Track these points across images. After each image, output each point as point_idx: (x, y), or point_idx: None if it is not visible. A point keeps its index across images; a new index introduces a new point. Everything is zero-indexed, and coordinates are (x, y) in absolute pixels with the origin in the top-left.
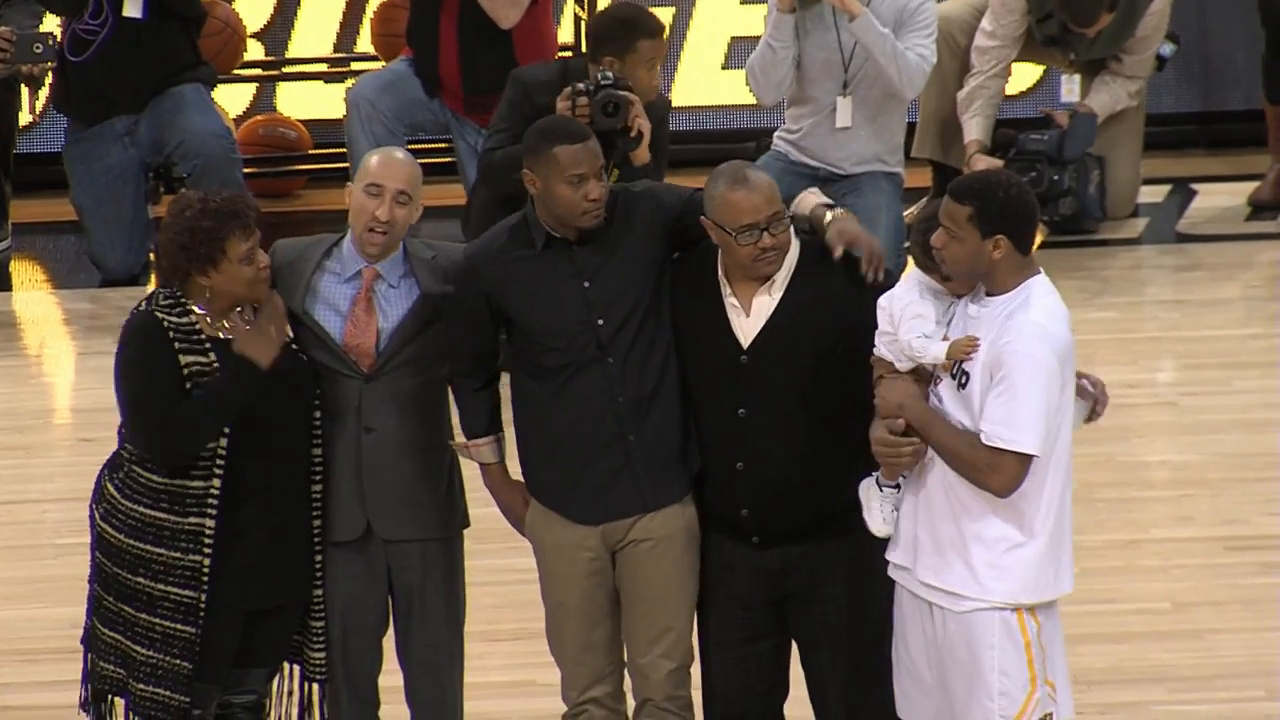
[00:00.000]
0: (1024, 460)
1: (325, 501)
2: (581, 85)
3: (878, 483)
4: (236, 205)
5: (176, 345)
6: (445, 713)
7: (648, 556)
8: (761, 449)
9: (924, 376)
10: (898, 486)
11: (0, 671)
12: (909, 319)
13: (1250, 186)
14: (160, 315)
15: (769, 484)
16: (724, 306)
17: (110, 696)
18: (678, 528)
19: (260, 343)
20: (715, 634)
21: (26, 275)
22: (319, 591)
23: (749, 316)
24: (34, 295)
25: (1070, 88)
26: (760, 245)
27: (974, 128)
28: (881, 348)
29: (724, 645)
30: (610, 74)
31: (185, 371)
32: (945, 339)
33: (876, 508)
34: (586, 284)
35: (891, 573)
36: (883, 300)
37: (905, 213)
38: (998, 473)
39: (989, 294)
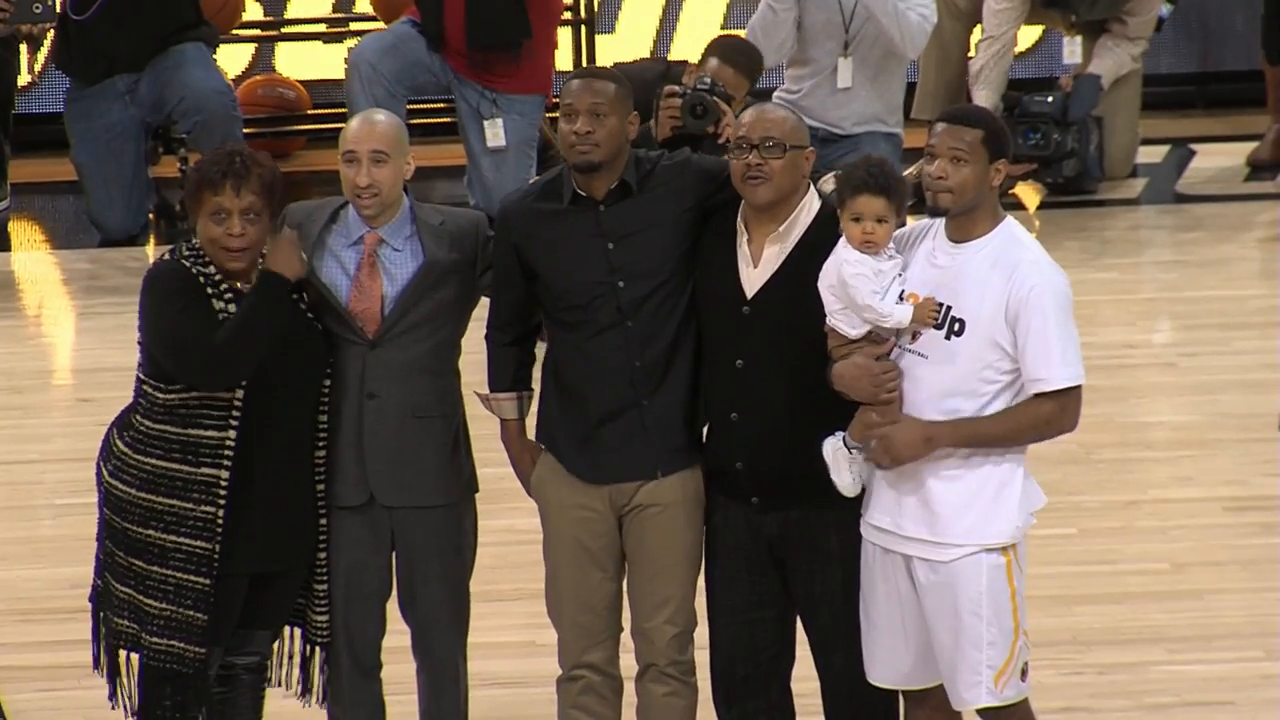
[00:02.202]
0: (1080, 389)
1: (329, 467)
2: (678, 88)
3: (845, 444)
4: (225, 164)
5: (209, 291)
6: (445, 673)
7: (654, 522)
8: (755, 401)
9: (876, 339)
10: (862, 448)
11: (0, 631)
12: (852, 278)
13: (1249, 147)
14: (186, 264)
15: (761, 437)
16: (736, 255)
17: (123, 652)
18: (685, 494)
19: (289, 258)
20: (721, 598)
21: (26, 235)
22: (323, 555)
23: (756, 267)
24: (33, 255)
25: (1073, 49)
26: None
27: (984, 99)
28: (837, 320)
29: (730, 610)
30: (708, 79)
31: (219, 316)
32: (905, 294)
33: (846, 468)
34: (610, 245)
35: (864, 530)
36: (824, 275)
37: (905, 173)
38: (1068, 412)
39: (957, 241)
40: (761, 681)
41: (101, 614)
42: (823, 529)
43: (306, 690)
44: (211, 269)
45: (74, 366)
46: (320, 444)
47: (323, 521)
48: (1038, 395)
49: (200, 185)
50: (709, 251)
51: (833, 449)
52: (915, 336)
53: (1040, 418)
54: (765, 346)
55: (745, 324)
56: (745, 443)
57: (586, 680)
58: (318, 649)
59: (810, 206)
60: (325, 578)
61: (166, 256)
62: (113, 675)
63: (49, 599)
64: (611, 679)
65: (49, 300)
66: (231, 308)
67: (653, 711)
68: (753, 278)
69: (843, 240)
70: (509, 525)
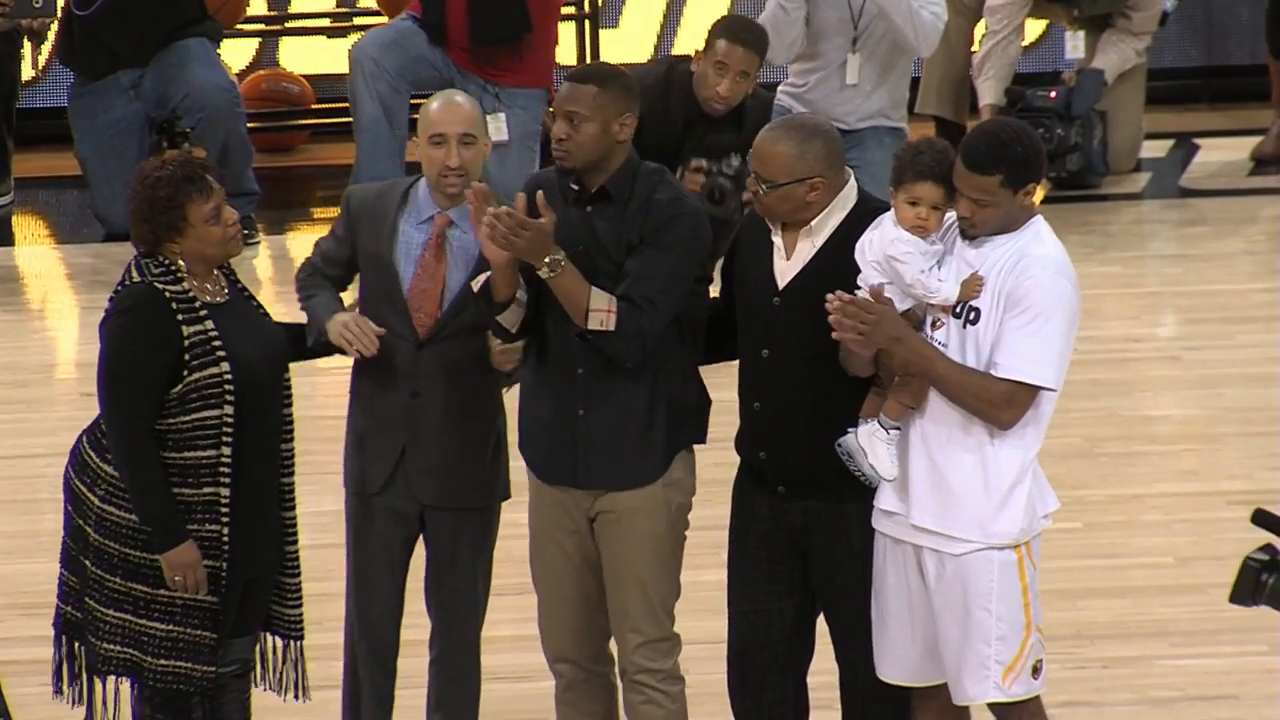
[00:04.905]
0: (1035, 394)
1: (363, 457)
2: (705, 163)
3: (881, 424)
4: (190, 170)
5: (180, 317)
6: (468, 664)
7: (613, 529)
8: (777, 391)
9: (912, 319)
10: (899, 427)
11: (4, 626)
12: (902, 255)
13: (1253, 141)
14: (160, 286)
15: (782, 427)
16: (772, 248)
17: (111, 679)
18: (649, 501)
19: (189, 567)
20: (739, 586)
21: (29, 230)
22: (292, 549)
23: (789, 260)
24: (37, 250)
25: (1075, 44)
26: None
27: (987, 91)
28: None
29: (748, 598)
30: (735, 162)
31: (186, 343)
32: (940, 280)
33: (884, 451)
34: (580, 247)
35: (875, 521)
36: (866, 250)
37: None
38: (1012, 407)
39: (986, 235)
40: (778, 674)
41: (76, 643)
42: (844, 521)
43: (285, 688)
44: (183, 285)
45: (78, 360)
46: (286, 438)
47: (287, 515)
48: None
49: (178, 201)
50: (749, 240)
51: (869, 435)
52: (936, 325)
53: (988, 393)
54: (791, 339)
55: (775, 315)
56: (767, 433)
57: (569, 678)
58: (292, 644)
59: (846, 201)
60: (297, 571)
61: (135, 276)
62: (89, 701)
63: (53, 593)
64: (596, 676)
65: (52, 295)
66: (208, 324)
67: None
68: (785, 270)
69: (889, 218)
70: (512, 519)
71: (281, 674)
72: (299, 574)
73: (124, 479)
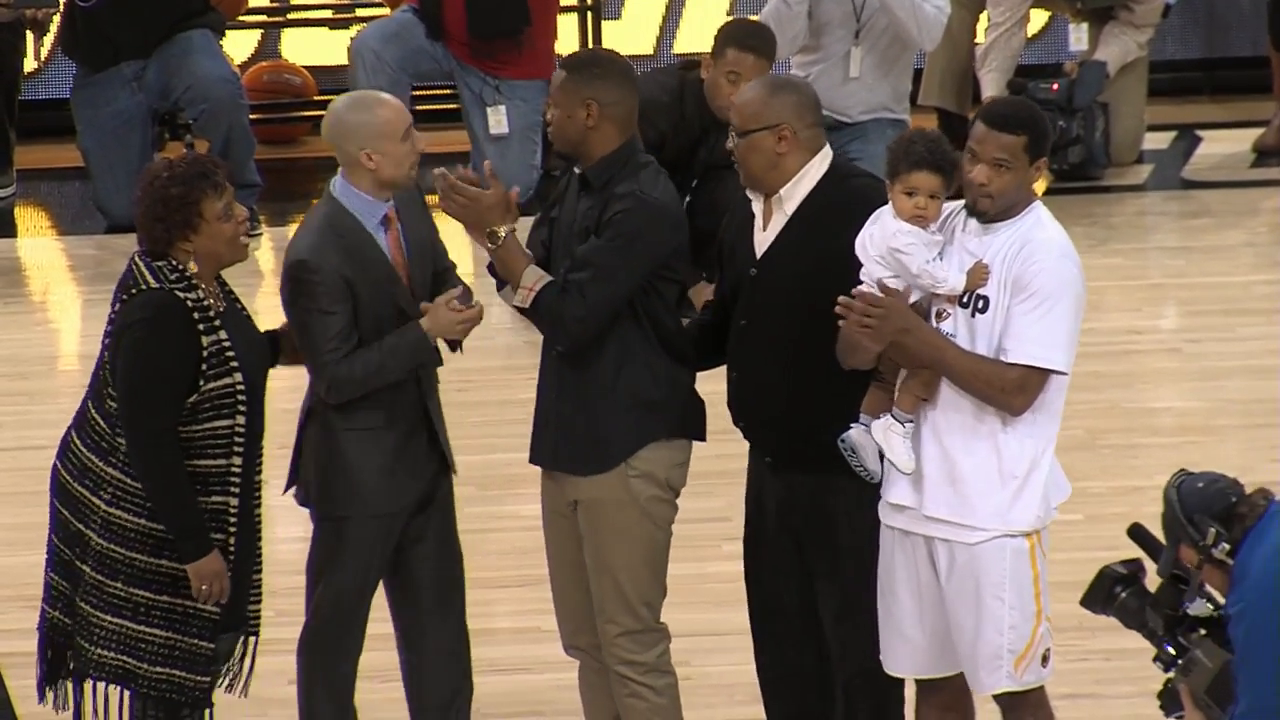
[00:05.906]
0: (1047, 378)
1: (397, 476)
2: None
3: (895, 418)
4: (203, 166)
5: (200, 327)
6: (464, 637)
7: (584, 517)
8: (750, 361)
9: (919, 312)
10: (913, 419)
11: (5, 618)
12: (905, 246)
13: (1255, 133)
14: (181, 295)
15: (753, 398)
16: (753, 220)
17: (100, 685)
18: (615, 491)
19: (217, 576)
20: (750, 557)
21: (32, 221)
22: (260, 544)
23: (765, 230)
24: (39, 241)
25: (1078, 36)
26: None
27: (990, 83)
28: (875, 288)
29: (756, 567)
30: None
31: (205, 353)
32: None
33: (900, 445)
34: (566, 231)
35: (883, 515)
36: (868, 246)
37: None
38: (1024, 392)
39: (987, 223)
40: (794, 645)
41: (69, 650)
42: (825, 495)
43: (231, 684)
44: (198, 293)
45: (80, 352)
46: (261, 437)
47: (257, 511)
48: (1010, 363)
49: (194, 197)
50: (736, 218)
51: (884, 429)
52: (941, 316)
53: (1000, 380)
54: (765, 308)
55: (752, 285)
56: (742, 403)
57: (583, 662)
58: (250, 640)
59: (817, 169)
60: (260, 567)
61: (150, 280)
62: (76, 706)
63: None
64: (601, 663)
65: (55, 286)
66: (222, 334)
67: (621, 712)
68: (761, 241)
69: (887, 212)
70: (509, 511)
71: (234, 669)
72: (261, 568)
73: (150, 490)
